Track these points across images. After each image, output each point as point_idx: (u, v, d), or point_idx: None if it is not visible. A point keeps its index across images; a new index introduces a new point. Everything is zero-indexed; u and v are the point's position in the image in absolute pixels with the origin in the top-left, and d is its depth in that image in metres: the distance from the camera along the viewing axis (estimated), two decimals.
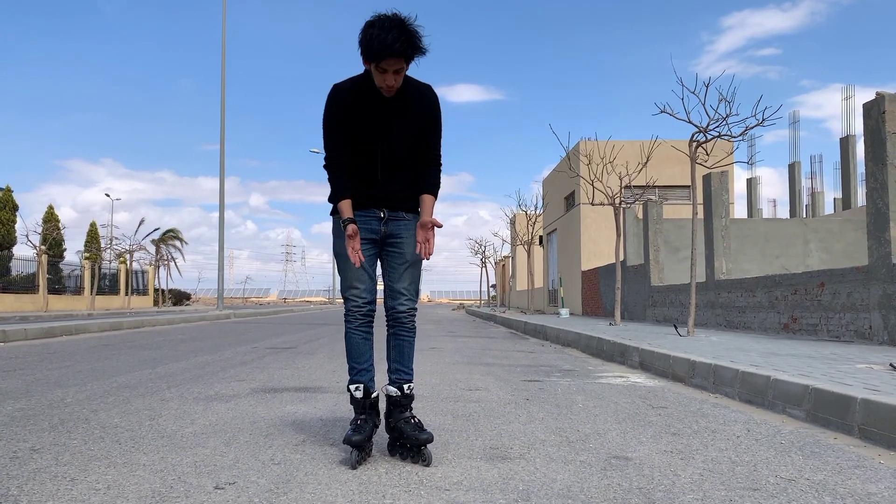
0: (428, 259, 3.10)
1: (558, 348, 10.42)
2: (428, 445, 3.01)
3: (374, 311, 3.16)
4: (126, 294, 41.03)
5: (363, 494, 2.55)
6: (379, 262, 3.22)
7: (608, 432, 3.86)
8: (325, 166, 3.09)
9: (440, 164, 3.21)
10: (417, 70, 3.07)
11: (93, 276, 34.57)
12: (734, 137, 9.62)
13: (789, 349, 7.53)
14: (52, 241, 32.95)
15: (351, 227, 2.94)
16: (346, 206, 3.01)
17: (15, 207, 34.35)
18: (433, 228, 3.07)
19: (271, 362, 7.61)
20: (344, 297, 3.12)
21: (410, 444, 3.01)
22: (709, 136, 9.82)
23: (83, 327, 13.10)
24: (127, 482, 2.66)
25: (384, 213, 3.12)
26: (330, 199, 3.09)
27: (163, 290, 48.95)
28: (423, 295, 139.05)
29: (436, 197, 3.18)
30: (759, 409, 4.84)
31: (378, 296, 3.19)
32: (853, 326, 8.97)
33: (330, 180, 3.07)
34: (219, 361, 7.67)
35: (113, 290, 40.36)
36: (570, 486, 2.73)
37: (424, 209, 3.14)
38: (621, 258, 14.40)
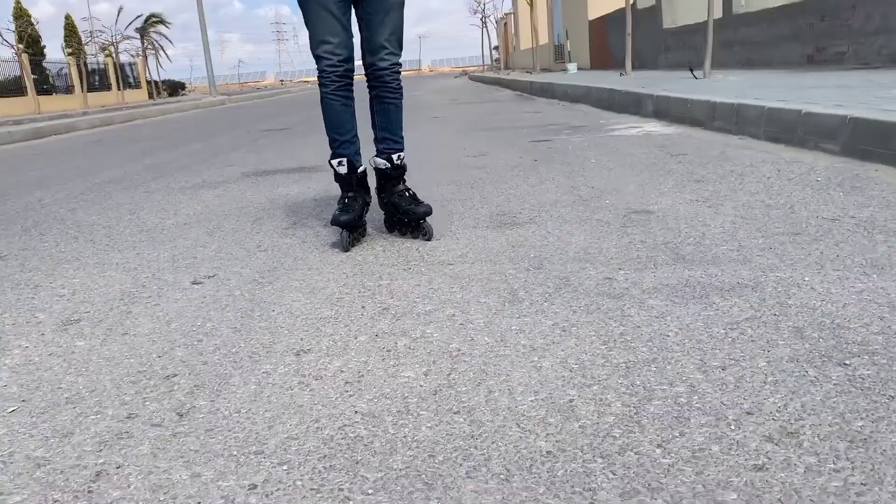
0: None
1: (567, 105, 9.90)
2: (427, 218, 2.69)
3: (353, 71, 2.68)
4: (118, 89, 39.80)
5: (357, 277, 2.28)
6: (354, 14, 2.68)
7: (625, 186, 3.53)
8: None
9: None
10: None
11: (80, 73, 33.27)
12: None
13: (815, 81, 6.98)
14: (29, 39, 31.29)
15: None
16: None
17: None
18: None
19: (265, 145, 7.22)
20: (315, 56, 2.63)
21: (408, 219, 2.70)
22: None
23: (73, 125, 12.63)
24: (95, 284, 2.39)
25: None
26: None
27: (156, 82, 47.44)
28: (424, 65, 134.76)
29: None
30: (788, 146, 4.46)
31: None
32: (886, 50, 8.30)
33: None
34: (210, 148, 7.29)
35: (104, 86, 39.07)
36: (587, 247, 2.44)
37: None
38: (631, 1, 13.27)
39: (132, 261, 2.69)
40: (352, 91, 2.66)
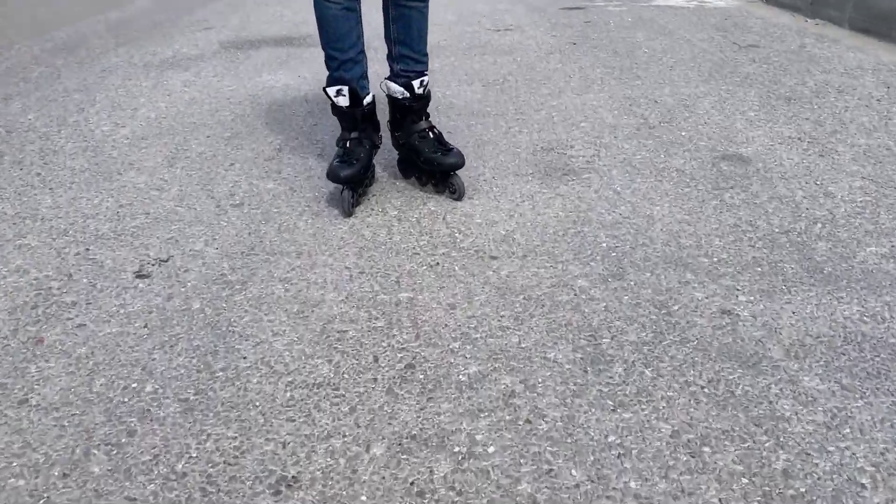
0: None
1: None
2: (458, 171, 2.00)
3: None
4: None
5: (366, 279, 1.63)
6: None
7: (698, 101, 2.80)
8: None
9: None
10: None
11: None
12: None
13: None
14: None
15: None
16: None
17: None
18: None
19: None
20: None
21: (431, 169, 2.01)
22: None
23: None
24: (4, 268, 1.74)
25: None
26: None
27: None
28: None
29: None
30: (883, 42, 3.66)
31: None
32: None
33: None
34: None
35: None
36: (678, 232, 1.79)
37: None
38: None
39: (63, 213, 2.02)
40: None
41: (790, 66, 3.29)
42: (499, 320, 1.45)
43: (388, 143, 2.15)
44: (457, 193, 2.00)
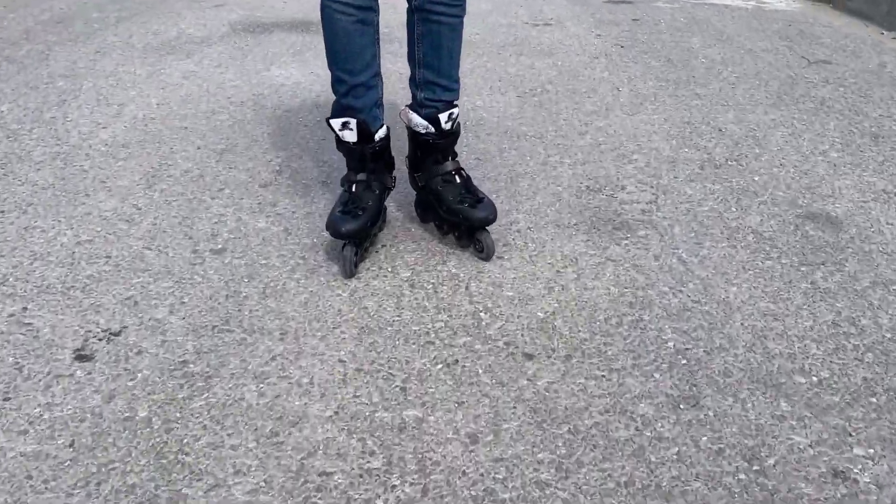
0: None
1: None
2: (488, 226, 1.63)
3: None
4: None
5: (360, 382, 1.27)
6: None
7: (769, 133, 2.39)
8: None
9: None
10: None
11: None
12: None
13: None
14: None
15: None
16: None
17: None
18: None
19: None
20: None
21: (456, 221, 1.63)
22: None
23: None
24: None
25: None
26: None
27: None
28: None
29: None
30: None
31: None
32: None
33: None
34: None
35: None
36: (763, 332, 1.41)
37: None
38: None
39: (9, 249, 1.67)
40: (376, 0, 1.49)
41: (871, 92, 2.87)
42: (535, 469, 1.09)
43: (405, 174, 1.78)
44: (484, 252, 1.63)
